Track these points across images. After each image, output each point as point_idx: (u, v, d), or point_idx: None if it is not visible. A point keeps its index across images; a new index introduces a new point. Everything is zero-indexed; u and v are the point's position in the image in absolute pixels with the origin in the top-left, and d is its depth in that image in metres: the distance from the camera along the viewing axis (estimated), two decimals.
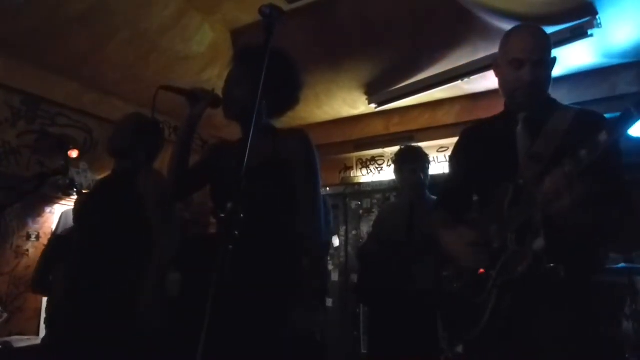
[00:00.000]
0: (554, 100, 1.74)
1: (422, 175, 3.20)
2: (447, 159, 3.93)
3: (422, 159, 3.27)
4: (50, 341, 2.41)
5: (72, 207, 4.37)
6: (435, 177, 3.42)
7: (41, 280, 3.38)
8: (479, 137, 1.87)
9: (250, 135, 1.29)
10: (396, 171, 3.34)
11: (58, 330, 2.36)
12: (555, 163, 1.40)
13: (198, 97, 1.88)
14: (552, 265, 1.48)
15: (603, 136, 1.29)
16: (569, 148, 1.37)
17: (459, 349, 1.72)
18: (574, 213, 1.38)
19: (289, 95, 2.01)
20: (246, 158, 1.25)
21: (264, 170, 1.77)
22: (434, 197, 3.11)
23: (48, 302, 3.91)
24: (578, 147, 1.33)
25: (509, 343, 1.53)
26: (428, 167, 3.29)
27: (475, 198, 1.78)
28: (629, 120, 1.26)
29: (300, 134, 1.92)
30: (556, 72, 4.29)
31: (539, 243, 1.49)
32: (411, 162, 3.23)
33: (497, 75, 1.79)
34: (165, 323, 2.15)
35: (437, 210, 1.98)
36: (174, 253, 2.29)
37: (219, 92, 1.96)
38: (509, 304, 1.52)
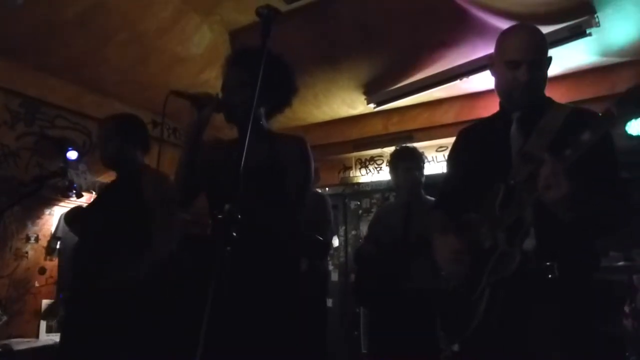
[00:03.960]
0: (549, 99, 1.74)
1: (417, 174, 3.20)
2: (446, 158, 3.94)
3: (418, 158, 3.27)
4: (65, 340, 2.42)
5: (70, 209, 4.39)
6: (434, 177, 3.42)
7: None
8: (474, 138, 1.88)
9: (247, 138, 1.29)
10: (391, 171, 3.34)
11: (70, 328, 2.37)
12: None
13: (204, 102, 1.88)
14: (547, 263, 1.49)
15: (585, 136, 1.29)
16: (560, 148, 1.37)
17: (455, 347, 1.72)
18: (567, 209, 1.38)
19: (285, 98, 2.02)
20: (243, 160, 1.25)
21: (260, 173, 1.77)
22: (431, 198, 3.11)
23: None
24: (562, 146, 1.34)
25: (503, 341, 1.53)
26: (423, 167, 3.29)
27: (471, 198, 1.78)
28: (609, 120, 1.27)
29: (298, 139, 1.94)
30: (555, 71, 4.31)
31: (530, 243, 1.50)
32: (406, 161, 3.24)
33: (493, 74, 1.79)
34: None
35: (435, 213, 1.99)
36: (169, 249, 2.28)
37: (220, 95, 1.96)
38: (501, 303, 1.53)
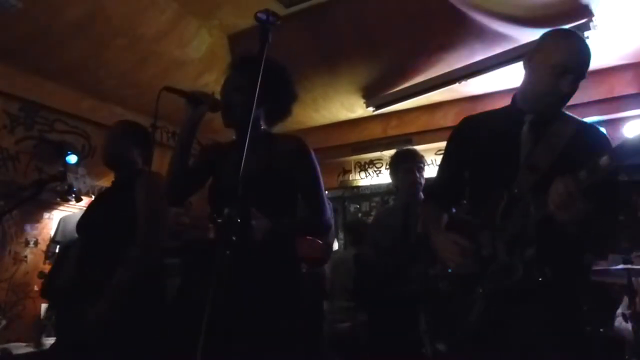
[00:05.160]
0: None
1: (417, 176, 3.20)
2: None
3: (418, 160, 3.28)
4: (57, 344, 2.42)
5: (72, 214, 4.39)
6: (432, 180, 3.42)
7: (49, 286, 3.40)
8: (481, 129, 1.80)
9: (247, 142, 1.29)
10: (392, 173, 3.35)
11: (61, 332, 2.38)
12: (551, 176, 1.37)
13: (199, 100, 1.88)
14: (538, 266, 1.48)
15: (605, 161, 1.26)
16: (566, 163, 1.35)
17: (441, 347, 1.71)
18: (574, 225, 1.37)
19: (284, 105, 2.02)
20: (242, 164, 1.25)
21: (261, 176, 1.77)
22: None
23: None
24: (578, 168, 1.31)
25: (495, 345, 1.52)
26: (423, 168, 3.29)
27: (469, 193, 1.76)
28: (633, 150, 1.23)
29: (298, 141, 1.94)
30: None
31: (530, 252, 1.48)
32: (407, 162, 3.24)
33: (528, 69, 1.69)
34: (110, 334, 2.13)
35: (428, 204, 1.95)
36: (142, 268, 2.26)
37: (217, 96, 1.96)
38: (496, 311, 1.52)
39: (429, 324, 1.81)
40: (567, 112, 1.71)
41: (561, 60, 1.56)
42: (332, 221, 3.71)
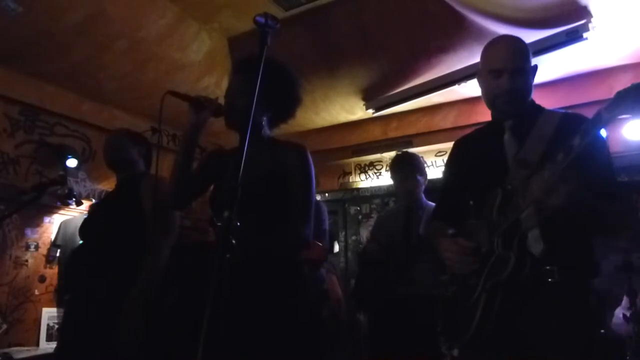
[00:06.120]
0: (539, 106, 1.80)
1: (415, 181, 3.20)
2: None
3: (418, 164, 3.28)
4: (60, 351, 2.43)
5: (73, 217, 4.39)
6: (433, 182, 3.42)
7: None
8: (469, 147, 1.94)
9: (246, 145, 1.29)
10: (392, 176, 3.36)
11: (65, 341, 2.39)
12: (541, 167, 1.44)
13: (203, 105, 1.88)
14: (547, 267, 1.51)
15: (576, 140, 1.35)
16: (555, 152, 1.40)
17: (455, 352, 1.74)
18: (569, 214, 1.40)
19: (289, 108, 2.03)
20: (242, 167, 1.26)
21: (262, 181, 1.78)
22: (431, 203, 3.11)
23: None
24: (555, 151, 1.39)
25: (500, 345, 1.54)
26: (422, 172, 3.29)
27: (470, 205, 1.79)
28: (599, 124, 1.34)
29: (300, 149, 1.95)
30: (552, 75, 4.33)
31: (538, 247, 1.51)
32: (406, 168, 3.24)
33: (480, 85, 1.86)
34: (140, 349, 2.12)
35: (433, 221, 2.04)
36: (160, 269, 2.27)
37: (221, 100, 1.96)
38: (498, 307, 1.54)
39: (443, 329, 1.83)
40: (550, 109, 1.78)
41: (494, 66, 1.73)
42: (327, 224, 3.73)
